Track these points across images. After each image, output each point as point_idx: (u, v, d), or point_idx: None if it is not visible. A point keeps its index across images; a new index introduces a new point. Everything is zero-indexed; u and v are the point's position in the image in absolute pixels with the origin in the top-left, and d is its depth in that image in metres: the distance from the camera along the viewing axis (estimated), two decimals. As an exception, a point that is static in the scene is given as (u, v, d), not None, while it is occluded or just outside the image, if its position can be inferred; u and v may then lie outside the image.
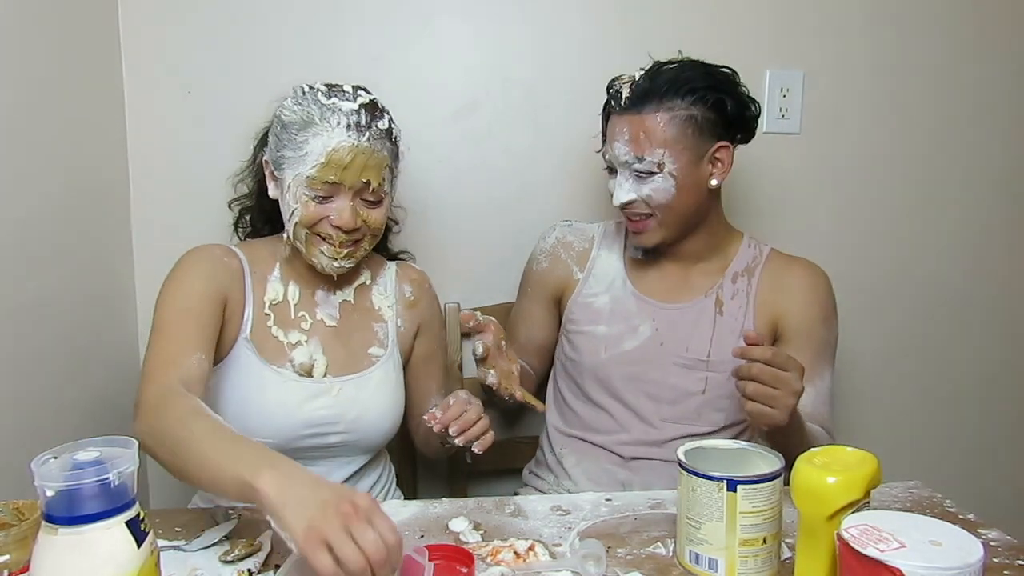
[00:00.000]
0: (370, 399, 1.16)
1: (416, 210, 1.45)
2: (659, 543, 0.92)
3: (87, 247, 1.30)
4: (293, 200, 1.07)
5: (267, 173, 1.14)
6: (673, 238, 1.24)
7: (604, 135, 1.26)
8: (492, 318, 1.14)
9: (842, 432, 1.59)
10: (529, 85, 1.53)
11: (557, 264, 1.36)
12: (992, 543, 0.91)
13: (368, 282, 1.23)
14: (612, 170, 1.24)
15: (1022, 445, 1.80)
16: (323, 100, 1.06)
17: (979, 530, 0.93)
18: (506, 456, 1.47)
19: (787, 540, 0.89)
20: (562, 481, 1.30)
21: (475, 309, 1.24)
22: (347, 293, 1.21)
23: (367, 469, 1.21)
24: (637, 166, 1.18)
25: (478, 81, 1.52)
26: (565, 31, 1.52)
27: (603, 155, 1.26)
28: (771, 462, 0.86)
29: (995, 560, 0.87)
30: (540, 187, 1.56)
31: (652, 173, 1.18)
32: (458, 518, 0.96)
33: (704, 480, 0.82)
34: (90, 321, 1.31)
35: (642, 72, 1.19)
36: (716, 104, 1.17)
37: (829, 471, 0.75)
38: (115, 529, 0.64)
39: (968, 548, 0.65)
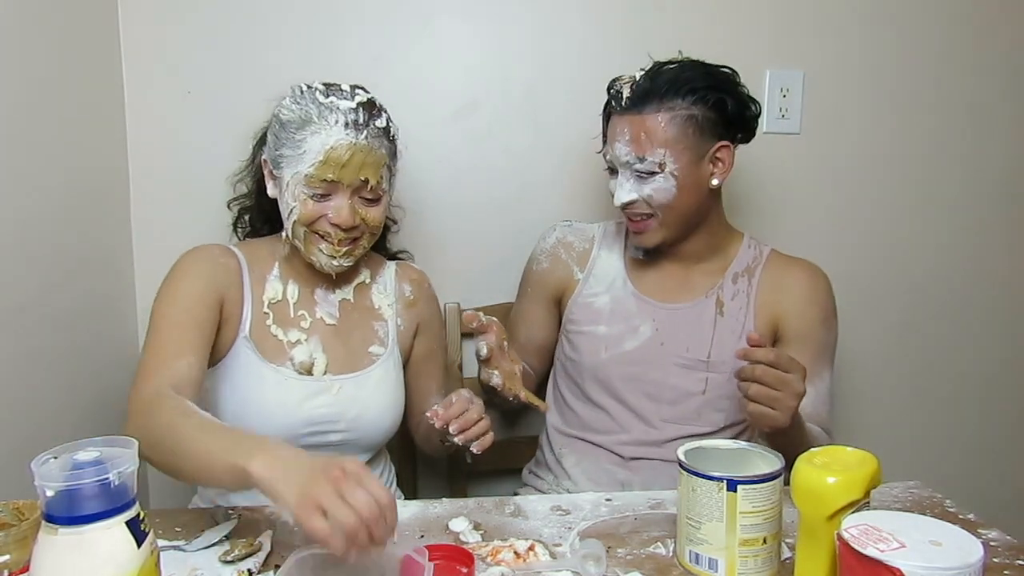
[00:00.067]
0: (370, 398, 1.16)
1: (416, 210, 1.45)
2: (659, 543, 0.92)
3: (87, 247, 1.30)
4: (292, 198, 1.08)
5: (266, 172, 1.14)
6: (674, 238, 1.24)
7: (605, 136, 1.26)
8: (495, 319, 1.13)
9: (842, 432, 1.60)
10: (529, 85, 1.53)
11: (557, 264, 1.36)
12: (992, 543, 0.90)
13: (367, 281, 1.23)
14: (613, 170, 1.24)
15: (1022, 445, 1.80)
16: (321, 99, 1.07)
17: (979, 530, 0.93)
18: (506, 456, 1.47)
19: (787, 540, 0.89)
20: (562, 481, 1.30)
21: (475, 309, 1.23)
22: (346, 292, 1.21)
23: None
24: (638, 166, 1.18)
25: (478, 81, 1.52)
26: (565, 31, 1.52)
27: (604, 155, 1.25)
28: (771, 462, 0.86)
29: (995, 560, 0.87)
30: (540, 187, 1.56)
31: (653, 173, 1.18)
32: (458, 518, 0.96)
33: (704, 480, 0.82)
34: (90, 321, 1.31)
35: (642, 72, 1.19)
36: (717, 104, 1.17)
37: (829, 471, 0.75)
38: (115, 529, 0.63)
39: (968, 548, 0.65)
